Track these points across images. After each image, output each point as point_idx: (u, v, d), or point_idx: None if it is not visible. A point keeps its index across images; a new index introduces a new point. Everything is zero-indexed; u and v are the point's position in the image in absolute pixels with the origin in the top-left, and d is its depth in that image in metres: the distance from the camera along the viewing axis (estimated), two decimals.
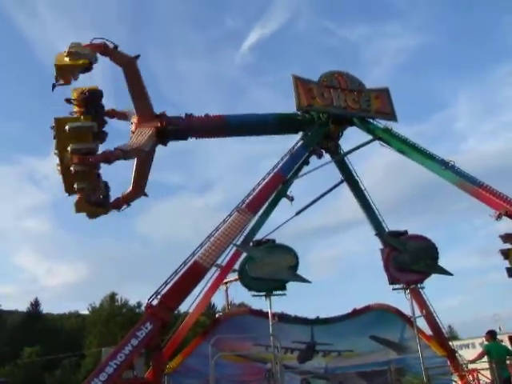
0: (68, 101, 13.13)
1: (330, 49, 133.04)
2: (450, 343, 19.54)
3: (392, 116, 18.77)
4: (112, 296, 41.79)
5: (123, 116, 15.83)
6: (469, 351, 25.79)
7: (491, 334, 12.56)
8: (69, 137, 12.22)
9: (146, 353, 12.36)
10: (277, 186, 16.10)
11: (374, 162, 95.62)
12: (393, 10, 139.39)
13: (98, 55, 13.46)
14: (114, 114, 15.50)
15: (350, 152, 18.79)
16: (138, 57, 14.26)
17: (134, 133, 15.26)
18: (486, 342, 12.71)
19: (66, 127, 12.10)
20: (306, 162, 17.94)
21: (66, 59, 12.62)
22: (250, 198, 14.69)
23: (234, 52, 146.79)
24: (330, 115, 18.02)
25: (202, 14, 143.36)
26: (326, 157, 18.86)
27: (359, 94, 18.64)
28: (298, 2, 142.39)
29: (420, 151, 17.56)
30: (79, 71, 13.01)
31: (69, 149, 12.16)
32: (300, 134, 18.11)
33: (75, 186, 12.83)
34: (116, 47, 13.72)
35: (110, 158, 12.76)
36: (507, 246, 13.80)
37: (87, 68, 13.00)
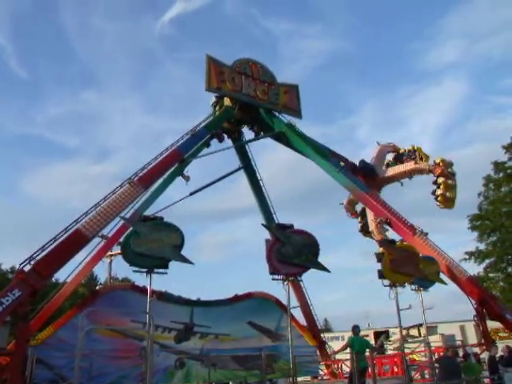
0: None
1: (251, 37, 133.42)
2: (322, 335, 20.74)
3: (297, 113, 19.35)
4: None
5: None
6: (338, 343, 27.57)
7: (354, 329, 13.46)
8: None
9: (13, 323, 11.62)
10: (173, 163, 15.88)
11: (276, 157, 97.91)
12: (317, 12, 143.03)
13: None
14: None
15: (251, 141, 19.12)
16: None
17: None
18: (351, 335, 13.59)
19: None
20: (207, 144, 17.88)
21: None
22: (144, 171, 14.36)
23: (154, 21, 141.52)
24: (238, 101, 18.13)
25: None
26: (228, 142, 19.05)
27: (270, 85, 18.95)
28: None
29: (318, 151, 18.27)
30: None
31: None
32: (208, 111, 18.17)
33: None
34: None
35: None
36: (382, 250, 14.77)
37: None
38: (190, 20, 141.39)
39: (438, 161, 19.67)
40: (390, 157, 21.48)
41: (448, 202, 19.27)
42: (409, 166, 20.10)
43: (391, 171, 20.46)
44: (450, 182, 19.23)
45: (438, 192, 19.18)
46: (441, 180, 19.20)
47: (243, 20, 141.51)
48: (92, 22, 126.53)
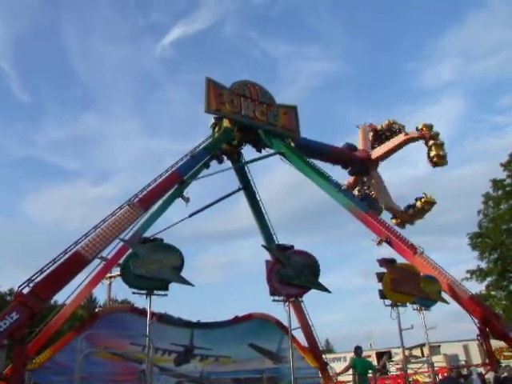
0: None
1: (250, 59, 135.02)
2: (324, 356, 20.50)
3: (296, 134, 19.46)
4: None
5: None
6: (340, 364, 27.28)
7: (356, 350, 13.34)
8: None
9: (10, 346, 11.48)
10: (172, 185, 15.91)
11: (275, 178, 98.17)
12: (315, 34, 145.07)
13: None
14: None
15: (250, 161, 19.19)
16: None
17: None
18: (354, 356, 13.46)
19: None
20: (207, 166, 17.96)
21: None
22: (144, 193, 14.38)
23: (155, 44, 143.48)
24: (237, 123, 18.27)
25: (129, 1, 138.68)
26: (227, 163, 19.13)
27: (268, 107, 19.11)
28: (226, 7, 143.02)
29: (317, 171, 18.35)
30: None
31: None
32: (207, 132, 18.30)
33: None
34: None
35: None
36: (383, 269, 14.72)
37: None
38: (189, 43, 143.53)
39: (420, 126, 21.87)
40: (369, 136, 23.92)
41: (442, 159, 21.61)
42: (400, 138, 22.29)
43: (384, 147, 22.66)
44: (438, 141, 21.53)
45: (432, 153, 21.42)
46: (431, 142, 21.49)
47: (242, 42, 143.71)
48: (93, 46, 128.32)
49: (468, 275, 31.52)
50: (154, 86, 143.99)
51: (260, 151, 19.57)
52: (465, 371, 16.78)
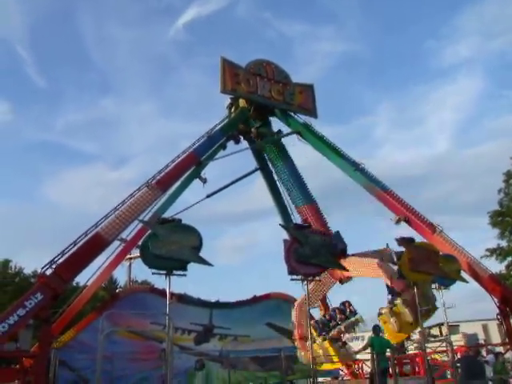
0: None
1: (265, 40, 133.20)
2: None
3: (313, 112, 19.25)
4: (5, 263, 38.94)
5: None
6: (358, 343, 27.33)
7: (375, 329, 13.33)
8: None
9: (36, 326, 11.78)
10: (189, 166, 15.92)
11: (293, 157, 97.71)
12: (330, 13, 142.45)
13: None
14: None
15: (267, 141, 19.04)
16: None
17: None
18: (372, 335, 13.48)
19: None
20: (223, 146, 17.92)
21: None
22: (161, 175, 14.43)
23: (168, 27, 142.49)
24: (253, 103, 18.13)
25: None
26: (244, 143, 19.05)
27: (284, 86, 18.89)
28: None
29: (335, 150, 18.18)
30: None
31: None
32: (224, 113, 18.23)
33: None
34: None
35: None
36: (401, 248, 14.64)
37: None
38: (203, 25, 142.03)
39: None
40: None
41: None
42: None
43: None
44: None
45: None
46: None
47: (256, 23, 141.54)
48: (107, 30, 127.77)
49: (487, 253, 31.16)
50: (168, 68, 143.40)
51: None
52: (484, 351, 16.72)
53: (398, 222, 17.03)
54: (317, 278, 13.65)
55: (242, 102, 18.44)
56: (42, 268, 11.66)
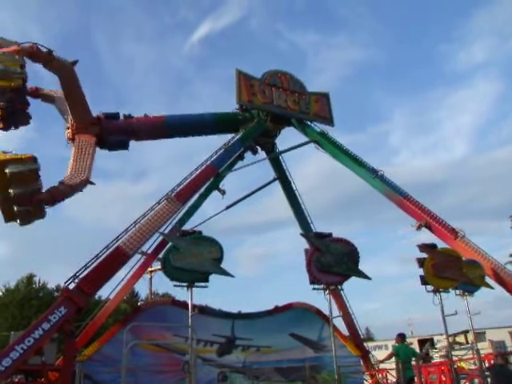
0: None
1: (278, 51, 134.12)
2: (365, 344, 20.36)
3: (329, 121, 19.25)
4: (29, 277, 39.57)
5: (49, 98, 14.73)
6: (382, 352, 27.04)
7: (401, 337, 13.16)
8: (9, 181, 10.94)
9: (60, 339, 11.91)
10: (208, 178, 15.99)
11: (309, 168, 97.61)
12: (341, 22, 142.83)
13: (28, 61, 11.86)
14: (37, 94, 14.49)
15: (285, 151, 19.10)
16: (75, 62, 13.17)
17: (71, 141, 14.39)
18: (396, 344, 13.30)
19: (7, 171, 10.77)
20: (241, 157, 17.99)
21: None
22: (180, 187, 14.53)
23: (183, 42, 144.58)
24: (269, 113, 18.19)
25: (156, 1, 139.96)
26: (262, 154, 19.11)
27: (300, 95, 18.94)
28: (251, 1, 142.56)
29: (353, 158, 18.14)
30: (9, 92, 11.24)
31: (11, 191, 11.04)
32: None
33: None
34: (50, 52, 12.24)
35: (57, 197, 12.07)
36: (423, 255, 14.47)
37: (19, 88, 11.33)
38: (217, 39, 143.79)
39: None
40: None
41: None
42: None
43: None
44: None
45: None
46: None
47: (269, 35, 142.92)
48: (123, 47, 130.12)
49: (511, 258, 30.64)
50: (184, 82, 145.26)
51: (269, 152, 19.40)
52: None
53: (418, 228, 16.87)
54: (339, 286, 13.59)
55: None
56: (66, 282, 11.80)
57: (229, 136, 17.27)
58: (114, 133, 15.58)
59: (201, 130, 18.05)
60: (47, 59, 12.37)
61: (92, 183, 13.59)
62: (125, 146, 16.21)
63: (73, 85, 13.50)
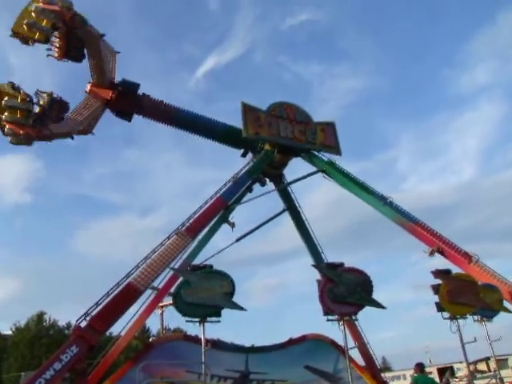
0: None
1: (283, 82, 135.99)
2: (382, 374, 19.88)
3: (336, 150, 19.25)
4: (40, 315, 39.35)
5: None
6: (400, 382, 26.38)
7: (420, 367, 12.88)
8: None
9: (72, 378, 11.77)
10: (218, 211, 16.02)
11: (317, 197, 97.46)
12: (345, 51, 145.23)
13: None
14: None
15: (293, 182, 19.10)
16: (103, 35, 15.06)
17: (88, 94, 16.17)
18: (414, 374, 13.00)
19: (3, 102, 12.64)
20: (250, 189, 18.06)
21: (25, 28, 13.12)
22: (190, 221, 14.54)
23: (188, 77, 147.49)
24: (276, 145, 18.29)
25: (161, 38, 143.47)
26: (270, 185, 19.14)
27: (306, 126, 19.03)
28: (255, 35, 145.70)
29: (361, 186, 18.11)
30: (34, 41, 13.56)
31: (3, 117, 12.73)
32: (248, 157, 18.40)
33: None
34: (84, 20, 14.10)
35: (42, 137, 13.40)
36: (438, 281, 14.27)
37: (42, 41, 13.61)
38: (222, 73, 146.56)
39: None
40: None
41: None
42: None
43: None
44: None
45: None
46: None
47: (273, 67, 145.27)
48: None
49: None
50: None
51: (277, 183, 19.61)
52: None
53: (431, 253, 16.68)
54: (353, 316, 13.38)
55: (266, 145, 18.59)
56: (77, 320, 11.78)
57: (233, 151, 17.55)
58: (126, 103, 16.89)
59: (208, 134, 18.78)
60: (79, 24, 14.13)
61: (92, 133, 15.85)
62: (128, 119, 17.56)
63: (97, 52, 15.19)
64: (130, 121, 17.56)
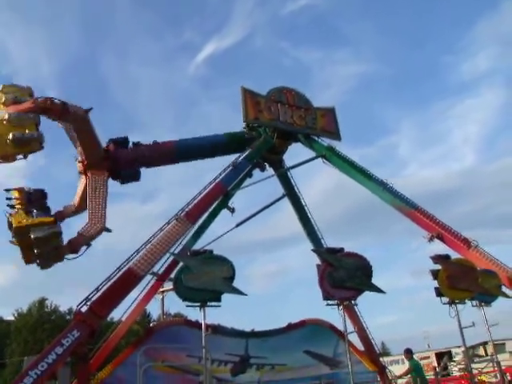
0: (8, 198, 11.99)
1: (283, 68, 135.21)
2: (381, 359, 20.06)
3: (336, 135, 19.22)
4: (41, 301, 39.68)
5: (71, 211, 14.76)
6: (398, 367, 26.60)
7: (409, 352, 13.02)
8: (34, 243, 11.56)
9: (73, 362, 11.86)
10: (217, 197, 15.99)
11: (316, 182, 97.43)
12: (346, 37, 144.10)
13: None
14: (62, 216, 14.13)
15: (293, 167, 19.06)
16: (89, 110, 13.08)
17: (83, 175, 14.36)
18: (409, 359, 13.13)
19: (32, 236, 11.36)
20: (249, 175, 17.98)
21: (9, 148, 11.25)
22: (190, 207, 14.53)
23: (188, 63, 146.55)
24: (276, 130, 18.23)
25: (161, 24, 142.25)
26: (270, 170, 19.09)
27: (306, 111, 18.96)
28: (255, 20, 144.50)
29: (361, 171, 18.08)
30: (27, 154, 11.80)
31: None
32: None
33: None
34: (65, 105, 12.25)
35: (76, 248, 12.66)
36: (437, 266, 14.33)
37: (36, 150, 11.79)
38: (222, 58, 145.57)
39: None
40: None
41: None
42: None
43: None
44: None
45: None
46: None
47: (274, 53, 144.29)
48: (130, 72, 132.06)
49: None
50: (191, 103, 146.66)
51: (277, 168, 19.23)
52: None
53: (431, 239, 16.71)
54: (353, 301, 13.46)
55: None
56: (78, 305, 11.76)
57: (236, 155, 17.25)
58: (125, 164, 15.29)
59: (213, 152, 17.66)
60: (62, 113, 12.41)
61: (109, 230, 13.43)
62: (137, 178, 15.92)
63: (87, 130, 13.49)
64: (138, 180, 15.98)
